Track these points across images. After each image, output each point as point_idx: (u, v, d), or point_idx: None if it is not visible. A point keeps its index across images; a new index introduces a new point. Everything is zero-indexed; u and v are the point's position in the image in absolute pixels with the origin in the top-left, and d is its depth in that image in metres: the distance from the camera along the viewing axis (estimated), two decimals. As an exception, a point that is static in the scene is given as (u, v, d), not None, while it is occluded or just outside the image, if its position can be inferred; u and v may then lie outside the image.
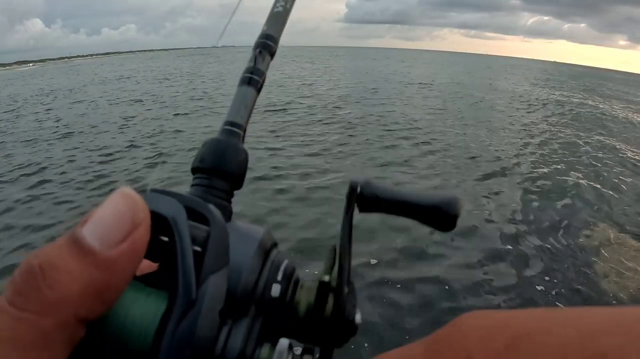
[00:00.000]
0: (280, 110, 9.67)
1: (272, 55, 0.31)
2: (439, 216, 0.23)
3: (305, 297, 0.22)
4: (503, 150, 7.11)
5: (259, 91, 0.28)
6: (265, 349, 0.20)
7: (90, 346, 0.17)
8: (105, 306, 0.16)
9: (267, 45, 0.30)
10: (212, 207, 0.21)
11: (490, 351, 0.14)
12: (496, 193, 5.14)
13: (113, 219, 0.16)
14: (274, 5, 0.34)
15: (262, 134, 7.31)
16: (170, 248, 0.18)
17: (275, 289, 0.22)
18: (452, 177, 5.64)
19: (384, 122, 8.59)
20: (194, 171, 0.25)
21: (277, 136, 7.24)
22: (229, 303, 0.19)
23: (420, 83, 17.77)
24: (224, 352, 0.19)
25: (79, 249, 0.16)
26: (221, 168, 0.23)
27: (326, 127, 8.01)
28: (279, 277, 0.22)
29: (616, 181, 5.87)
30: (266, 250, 0.23)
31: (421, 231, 3.72)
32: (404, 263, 3.42)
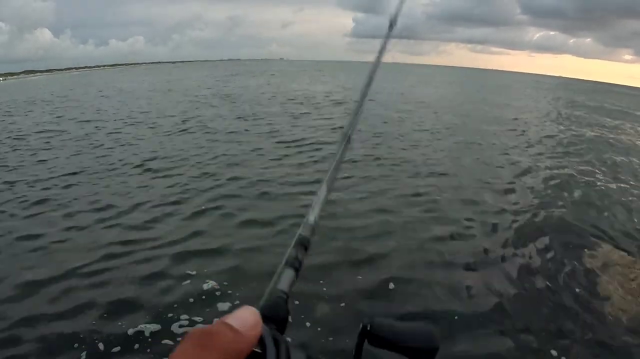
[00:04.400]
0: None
1: (307, 249, 0.43)
2: (425, 353, 0.40)
3: None
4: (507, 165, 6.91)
5: (298, 273, 0.41)
6: None
7: None
8: None
9: (304, 244, 0.43)
10: (281, 338, 0.31)
11: None
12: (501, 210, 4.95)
13: (247, 317, 0.28)
14: (307, 218, 0.46)
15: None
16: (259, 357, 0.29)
17: None
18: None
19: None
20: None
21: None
22: None
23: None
24: None
25: (231, 329, 0.27)
26: (277, 321, 0.35)
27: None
28: None
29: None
30: None
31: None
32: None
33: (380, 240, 4.05)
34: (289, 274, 0.39)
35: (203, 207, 4.97)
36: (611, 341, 2.73)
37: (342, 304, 2.99)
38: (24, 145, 9.22)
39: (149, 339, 2.67)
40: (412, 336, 0.40)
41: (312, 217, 0.46)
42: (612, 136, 11.30)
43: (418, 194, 5.44)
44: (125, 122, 11.74)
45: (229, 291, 3.18)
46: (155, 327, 2.78)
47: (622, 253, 3.94)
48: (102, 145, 8.84)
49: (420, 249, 3.92)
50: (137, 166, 7.02)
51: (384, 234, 4.17)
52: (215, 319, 0.28)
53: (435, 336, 0.41)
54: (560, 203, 5.34)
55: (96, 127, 11.22)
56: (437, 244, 4.04)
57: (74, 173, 6.67)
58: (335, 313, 2.90)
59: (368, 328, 0.41)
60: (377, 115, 12.93)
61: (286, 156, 7.44)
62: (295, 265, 0.40)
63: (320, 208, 0.47)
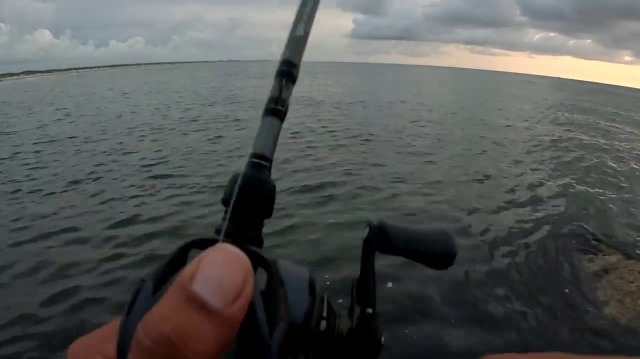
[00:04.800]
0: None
1: (293, 82, 0.29)
2: (442, 259, 0.33)
3: (344, 324, 0.29)
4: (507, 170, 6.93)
5: (283, 120, 0.28)
6: None
7: None
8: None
9: (289, 72, 0.29)
10: (271, 261, 0.23)
11: None
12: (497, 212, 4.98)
13: (228, 277, 0.16)
14: (294, 29, 0.31)
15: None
16: None
17: (323, 325, 0.27)
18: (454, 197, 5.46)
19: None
20: (226, 203, 0.25)
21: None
22: (290, 340, 0.21)
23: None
24: None
25: (204, 310, 0.15)
26: (253, 202, 0.24)
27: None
28: (324, 313, 0.27)
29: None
30: (313, 292, 0.27)
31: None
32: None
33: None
34: (270, 124, 0.27)
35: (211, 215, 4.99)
36: (610, 344, 2.76)
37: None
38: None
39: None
40: (429, 241, 0.33)
41: (300, 28, 0.30)
42: (609, 140, 11.32)
43: (415, 200, 5.47)
44: (129, 128, 11.76)
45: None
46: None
47: (621, 256, 3.96)
48: (105, 152, 8.86)
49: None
50: (143, 171, 7.05)
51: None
52: (174, 280, 0.17)
53: (453, 240, 0.34)
54: (559, 207, 5.36)
55: (100, 130, 11.23)
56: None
57: (77, 181, 6.69)
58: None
59: (378, 231, 0.33)
60: (374, 116, 12.98)
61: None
62: (278, 109, 0.28)
63: (309, 18, 0.31)
